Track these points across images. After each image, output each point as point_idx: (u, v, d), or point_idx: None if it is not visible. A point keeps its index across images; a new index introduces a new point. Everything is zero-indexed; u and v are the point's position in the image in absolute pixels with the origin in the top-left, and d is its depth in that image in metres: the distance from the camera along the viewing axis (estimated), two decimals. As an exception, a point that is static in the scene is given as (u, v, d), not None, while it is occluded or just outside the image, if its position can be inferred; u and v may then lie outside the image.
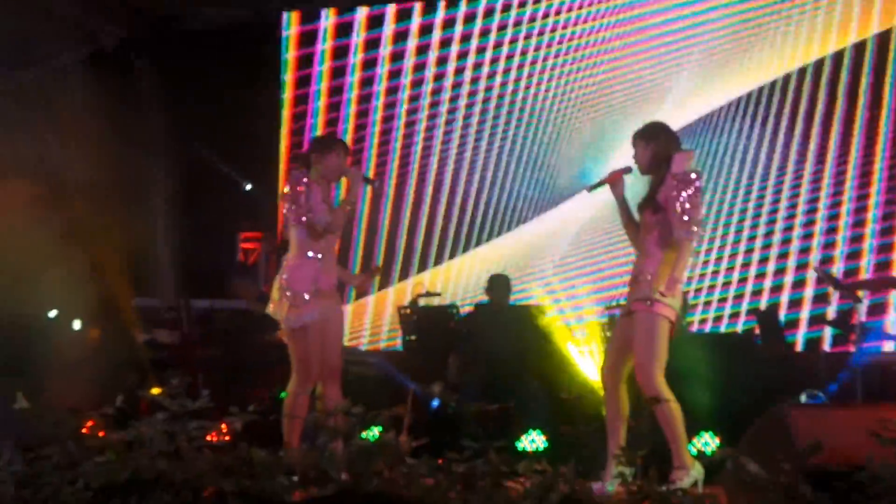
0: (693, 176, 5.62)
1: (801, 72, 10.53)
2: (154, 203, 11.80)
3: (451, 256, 11.62)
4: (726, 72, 10.82)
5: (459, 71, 11.87)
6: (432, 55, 11.99)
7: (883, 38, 10.22)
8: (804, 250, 10.40)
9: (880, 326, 8.98)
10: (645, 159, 5.80)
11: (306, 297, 6.04)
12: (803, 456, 4.13)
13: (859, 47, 10.27)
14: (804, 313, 10.23)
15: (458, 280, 11.52)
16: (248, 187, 11.93)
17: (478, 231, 11.60)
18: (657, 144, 5.77)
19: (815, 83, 10.44)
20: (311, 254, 6.10)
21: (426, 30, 12.03)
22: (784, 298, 10.36)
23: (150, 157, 11.67)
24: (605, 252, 10.75)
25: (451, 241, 11.67)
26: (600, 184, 5.95)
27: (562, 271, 11.16)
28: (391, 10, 12.13)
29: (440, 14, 11.98)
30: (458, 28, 11.90)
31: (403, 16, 12.11)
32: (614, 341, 5.82)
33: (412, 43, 12.05)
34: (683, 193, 5.56)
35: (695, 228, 5.59)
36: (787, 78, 10.57)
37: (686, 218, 5.54)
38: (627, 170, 5.92)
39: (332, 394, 6.03)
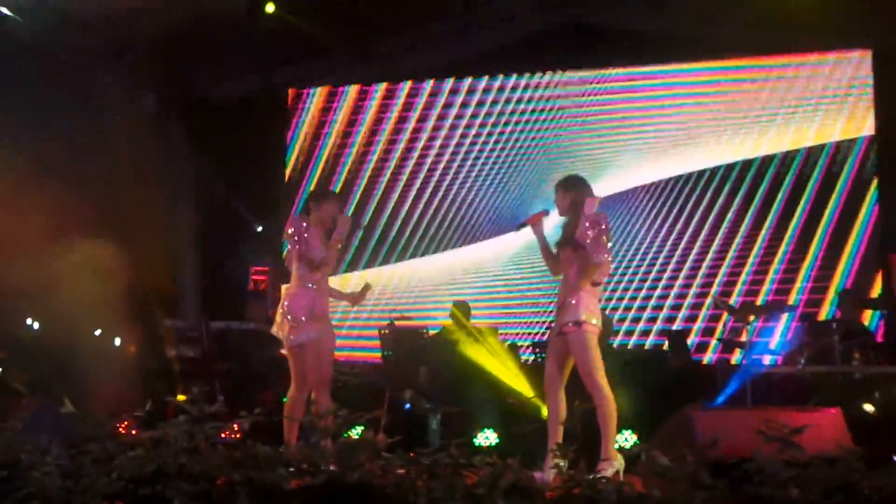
0: (601, 217, 5.63)
1: (718, 169, 10.64)
2: (181, 241, 11.74)
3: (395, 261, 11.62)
4: (661, 158, 10.88)
5: (432, 137, 11.90)
6: (409, 124, 12.03)
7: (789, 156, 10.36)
8: (706, 285, 10.47)
9: (765, 344, 9.00)
10: (564, 204, 5.82)
11: (303, 320, 6.00)
12: (703, 450, 4.12)
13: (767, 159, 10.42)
14: (705, 333, 10.28)
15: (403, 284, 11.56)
16: (259, 228, 11.89)
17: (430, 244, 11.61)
18: (574, 192, 5.78)
19: (724, 179, 10.58)
20: (308, 285, 6.07)
21: (407, 106, 12.09)
22: (691, 321, 10.42)
23: (180, 202, 11.63)
24: (540, 282, 10.75)
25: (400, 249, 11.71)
26: (524, 224, 5.95)
27: (510, 298, 11.14)
28: (381, 87, 12.19)
29: (423, 95, 12.04)
30: (437, 104, 11.95)
31: (389, 94, 12.17)
32: (551, 357, 5.78)
33: (393, 114, 12.10)
34: (595, 233, 5.57)
35: (606, 258, 5.59)
36: (710, 171, 10.68)
37: (598, 253, 5.55)
38: (545, 213, 5.94)
39: (323, 400, 5.97)
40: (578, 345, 5.54)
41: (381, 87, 12.24)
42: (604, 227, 5.59)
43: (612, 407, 5.44)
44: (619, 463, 5.40)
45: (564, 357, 5.67)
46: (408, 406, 7.59)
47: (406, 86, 12.12)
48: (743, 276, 10.35)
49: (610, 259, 5.65)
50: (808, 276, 10.14)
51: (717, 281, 10.44)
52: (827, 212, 10.22)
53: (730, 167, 10.55)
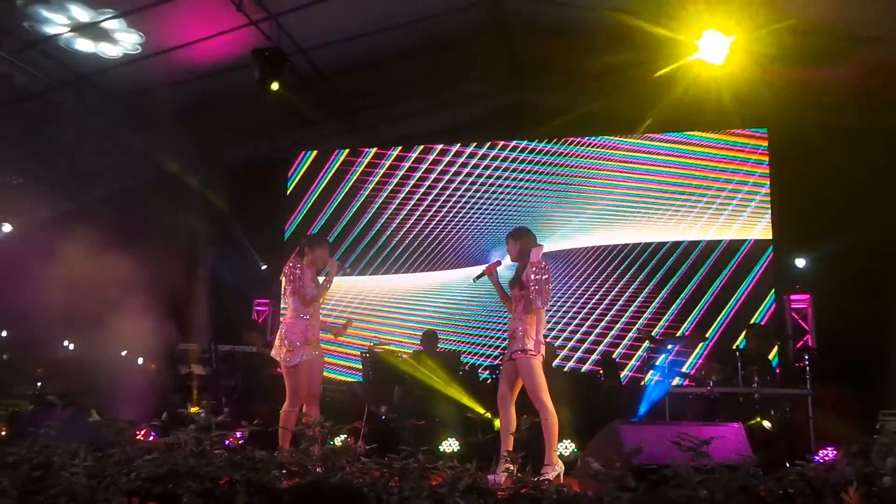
0: (544, 265, 5.67)
1: (649, 245, 10.74)
2: (195, 275, 11.63)
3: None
4: (597, 226, 10.95)
5: (410, 192, 11.93)
6: (390, 181, 12.05)
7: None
8: (633, 320, 10.52)
9: (679, 367, 9.04)
10: (514, 252, 5.86)
11: (298, 344, 5.97)
12: (629, 457, 4.12)
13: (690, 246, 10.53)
14: (632, 359, 10.32)
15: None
16: (264, 267, 11.81)
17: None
18: (522, 242, 5.82)
19: (652, 253, 10.66)
20: (302, 315, 6.05)
21: (388, 167, 12.13)
22: (621, 349, 10.45)
23: (197, 247, 11.54)
24: (496, 315, 10.75)
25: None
26: (482, 275, 5.99)
27: (470, 327, 11.13)
28: (371, 152, 12.22)
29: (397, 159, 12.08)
30: (413, 165, 12.00)
31: (377, 157, 12.20)
32: (503, 378, 5.79)
33: (376, 174, 12.13)
34: (539, 276, 5.60)
35: (545, 300, 5.61)
36: (641, 245, 10.78)
37: (540, 294, 5.57)
38: (498, 263, 5.99)
39: (313, 412, 5.91)
40: (525, 369, 5.55)
41: (367, 152, 12.27)
42: (545, 273, 5.62)
43: (554, 420, 5.44)
44: (559, 467, 5.39)
45: (514, 379, 5.68)
46: (384, 418, 7.53)
47: (390, 151, 12.17)
48: (666, 315, 10.41)
49: (548, 299, 5.65)
50: (725, 313, 10.22)
51: (641, 317, 10.49)
52: (729, 264, 10.33)
53: (659, 245, 10.62)
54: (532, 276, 5.59)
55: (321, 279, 6.24)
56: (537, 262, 5.65)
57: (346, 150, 12.31)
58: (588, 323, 10.65)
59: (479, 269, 6.03)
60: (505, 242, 5.95)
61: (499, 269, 5.95)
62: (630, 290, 10.59)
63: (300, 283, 6.00)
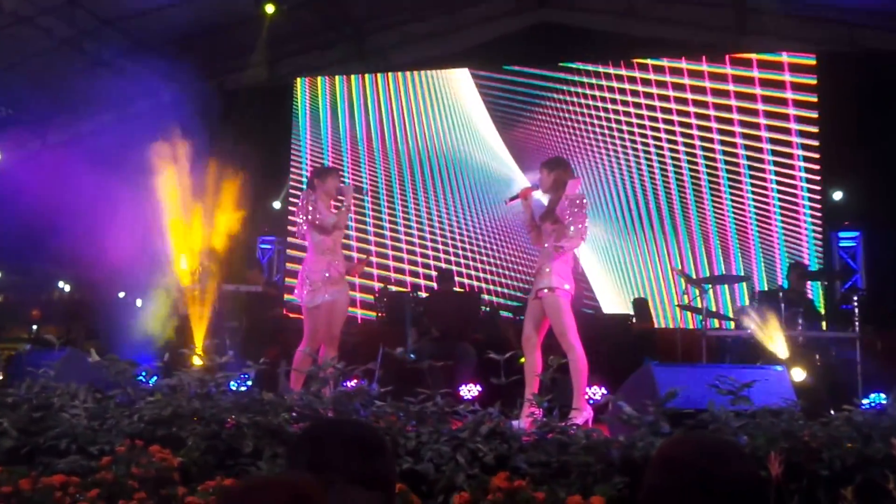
0: (582, 199, 5.61)
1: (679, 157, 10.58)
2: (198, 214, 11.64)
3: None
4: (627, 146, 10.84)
5: (418, 119, 11.83)
6: (398, 109, 11.94)
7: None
8: (666, 259, 10.47)
9: (717, 308, 9.01)
10: (547, 183, 5.76)
11: (320, 284, 5.96)
12: (663, 400, 4.12)
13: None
14: (666, 300, 10.32)
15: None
16: (277, 205, 11.83)
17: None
18: (558, 173, 5.74)
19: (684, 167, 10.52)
20: (323, 251, 6.02)
21: (396, 93, 12.00)
22: (653, 290, 10.44)
23: (198, 178, 11.51)
24: (520, 251, 10.75)
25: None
26: (515, 197, 5.91)
27: (490, 265, 11.14)
28: (380, 77, 12.09)
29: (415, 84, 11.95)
30: (423, 92, 11.87)
31: (387, 82, 12.06)
32: (529, 318, 5.75)
33: (384, 100, 12.01)
34: (574, 211, 5.55)
35: (580, 238, 5.58)
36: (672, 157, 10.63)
37: (574, 228, 5.53)
38: (535, 187, 5.90)
39: (330, 355, 5.94)
40: (553, 308, 5.52)
41: (375, 77, 12.13)
42: (582, 209, 5.56)
43: (583, 362, 5.43)
44: (588, 412, 5.40)
45: (540, 319, 5.65)
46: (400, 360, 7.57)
47: (396, 76, 12.03)
48: (702, 252, 10.34)
49: (584, 237, 5.62)
50: (761, 251, 10.15)
51: (674, 253, 10.44)
52: (774, 195, 10.21)
53: (696, 176, 10.48)
54: (567, 211, 5.52)
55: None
56: (574, 196, 5.58)
57: (356, 76, 12.17)
58: (619, 261, 10.61)
59: (514, 191, 5.95)
60: (539, 172, 5.84)
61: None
62: (665, 224, 10.52)
63: (317, 214, 5.99)
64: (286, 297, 9.99)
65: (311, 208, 5.99)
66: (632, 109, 10.85)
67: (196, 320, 7.56)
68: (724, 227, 10.32)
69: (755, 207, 10.25)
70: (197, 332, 7.10)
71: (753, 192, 10.29)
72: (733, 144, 10.41)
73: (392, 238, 11.62)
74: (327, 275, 5.98)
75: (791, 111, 10.26)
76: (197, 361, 5.50)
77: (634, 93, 10.88)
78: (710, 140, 10.53)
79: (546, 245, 5.67)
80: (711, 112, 10.54)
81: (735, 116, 10.43)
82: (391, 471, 2.03)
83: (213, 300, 8.03)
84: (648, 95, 10.80)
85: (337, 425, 2.35)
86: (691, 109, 10.64)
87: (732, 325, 8.63)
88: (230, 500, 1.13)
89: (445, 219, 11.50)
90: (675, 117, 10.67)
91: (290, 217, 11.14)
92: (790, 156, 10.21)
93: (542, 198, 5.98)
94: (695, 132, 10.58)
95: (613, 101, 10.97)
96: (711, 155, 10.50)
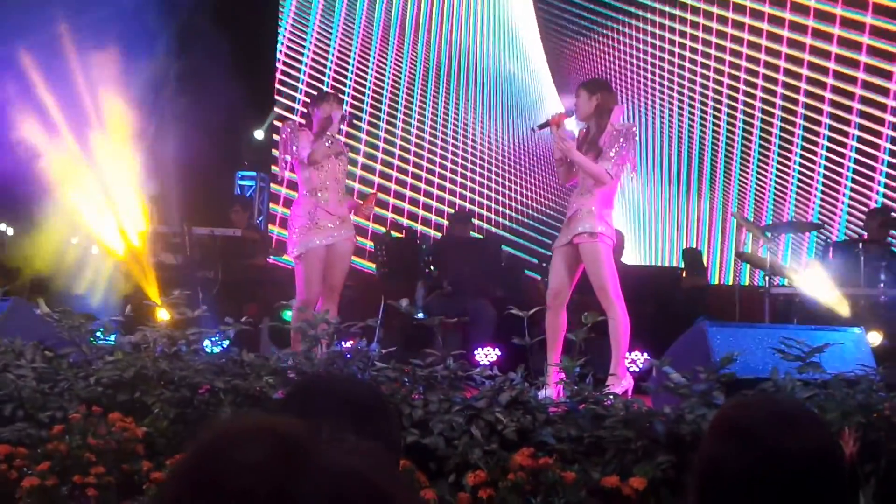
0: (632, 129, 5.61)
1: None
2: (165, 145, 11.63)
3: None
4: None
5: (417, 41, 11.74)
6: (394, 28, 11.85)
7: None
8: (724, 200, 10.44)
9: (784, 261, 9.01)
10: (587, 109, 5.67)
11: (303, 229, 6.03)
12: (718, 367, 4.15)
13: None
14: (722, 251, 10.32)
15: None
16: (260, 136, 11.81)
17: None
18: (600, 97, 5.68)
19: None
20: (308, 191, 6.08)
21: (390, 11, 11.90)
22: (707, 239, 10.43)
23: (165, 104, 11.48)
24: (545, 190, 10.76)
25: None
26: (546, 124, 5.82)
27: (514, 206, 11.16)
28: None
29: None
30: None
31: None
32: (558, 268, 5.70)
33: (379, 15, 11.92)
34: (623, 143, 5.52)
35: (624, 172, 5.58)
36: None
37: (621, 163, 5.51)
38: (570, 113, 5.85)
39: (331, 312, 5.97)
40: (592, 256, 5.48)
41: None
42: (631, 140, 5.55)
43: (625, 322, 5.44)
44: (627, 381, 5.43)
45: (574, 269, 5.61)
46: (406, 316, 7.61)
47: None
48: (765, 194, 10.29)
49: (634, 172, 5.63)
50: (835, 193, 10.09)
51: (732, 193, 10.41)
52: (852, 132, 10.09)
53: (768, 111, 10.33)
54: (613, 142, 5.50)
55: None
56: (623, 126, 5.57)
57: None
58: (665, 207, 10.59)
59: (543, 117, 5.93)
60: (575, 95, 5.79)
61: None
62: (720, 162, 10.46)
63: (292, 146, 6.03)
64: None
65: (287, 140, 6.07)
66: (700, 34, 10.64)
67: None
68: (788, 164, 10.23)
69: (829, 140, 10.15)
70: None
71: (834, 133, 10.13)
72: (825, 72, 10.15)
73: (399, 168, 11.58)
74: (315, 218, 6.03)
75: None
76: (163, 316, 5.56)
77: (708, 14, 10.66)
78: (798, 75, 10.27)
79: (584, 182, 5.62)
80: (808, 40, 10.26)
81: (833, 49, 10.15)
82: (396, 436, 2.05)
83: (184, 245, 8.10)
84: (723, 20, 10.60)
85: (330, 381, 2.38)
86: (785, 34, 10.34)
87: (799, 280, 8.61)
88: (201, 456, 1.13)
89: (471, 143, 11.45)
90: (744, 50, 10.46)
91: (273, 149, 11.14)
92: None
93: (575, 128, 5.95)
94: (782, 62, 10.33)
95: (683, 23, 10.76)
96: (795, 85, 10.25)
